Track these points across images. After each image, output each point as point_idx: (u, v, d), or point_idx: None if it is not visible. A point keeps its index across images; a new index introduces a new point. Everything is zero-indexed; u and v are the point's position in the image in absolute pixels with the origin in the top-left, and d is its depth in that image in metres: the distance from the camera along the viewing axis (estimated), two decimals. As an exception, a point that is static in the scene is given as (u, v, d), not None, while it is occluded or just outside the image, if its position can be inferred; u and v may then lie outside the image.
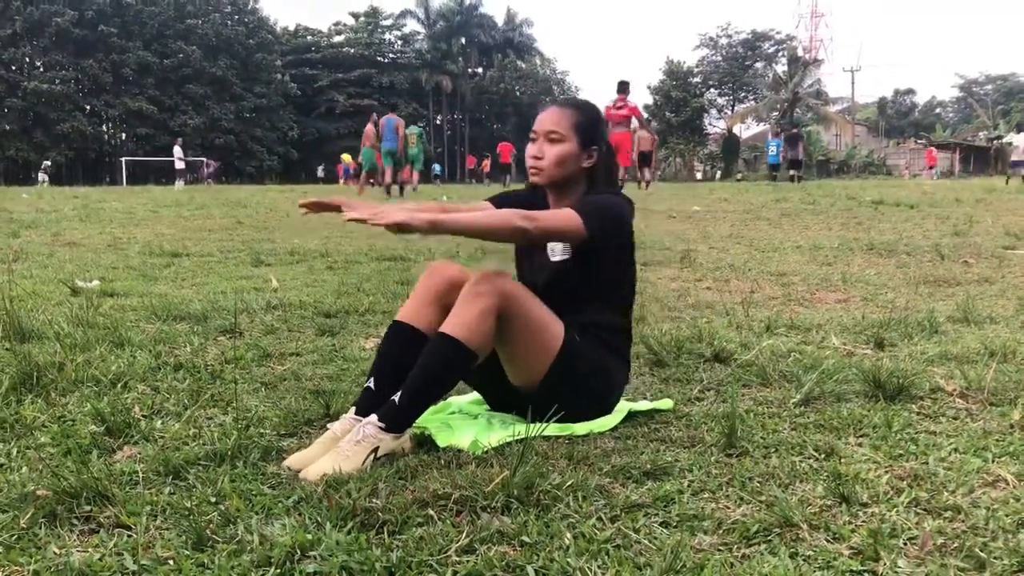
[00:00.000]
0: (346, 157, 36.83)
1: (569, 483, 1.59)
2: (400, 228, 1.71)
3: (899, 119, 72.46)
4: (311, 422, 2.05)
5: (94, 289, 4.13)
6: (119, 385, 2.32)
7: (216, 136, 52.97)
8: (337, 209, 1.94)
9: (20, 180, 43.67)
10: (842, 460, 1.75)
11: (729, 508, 1.52)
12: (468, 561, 1.31)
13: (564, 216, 1.95)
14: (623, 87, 15.17)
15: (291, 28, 64.93)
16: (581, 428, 1.99)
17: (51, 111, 47.98)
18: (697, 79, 59.70)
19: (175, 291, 4.20)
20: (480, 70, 67.65)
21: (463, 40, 65.45)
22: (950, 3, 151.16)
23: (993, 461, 1.74)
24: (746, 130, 62.24)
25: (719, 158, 54.91)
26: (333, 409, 2.09)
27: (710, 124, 61.86)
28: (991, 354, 2.63)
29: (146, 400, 2.21)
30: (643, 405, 2.14)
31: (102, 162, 53.27)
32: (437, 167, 44.58)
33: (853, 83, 71.66)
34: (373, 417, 1.81)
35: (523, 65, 66.53)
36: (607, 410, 2.07)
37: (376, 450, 1.77)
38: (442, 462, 1.76)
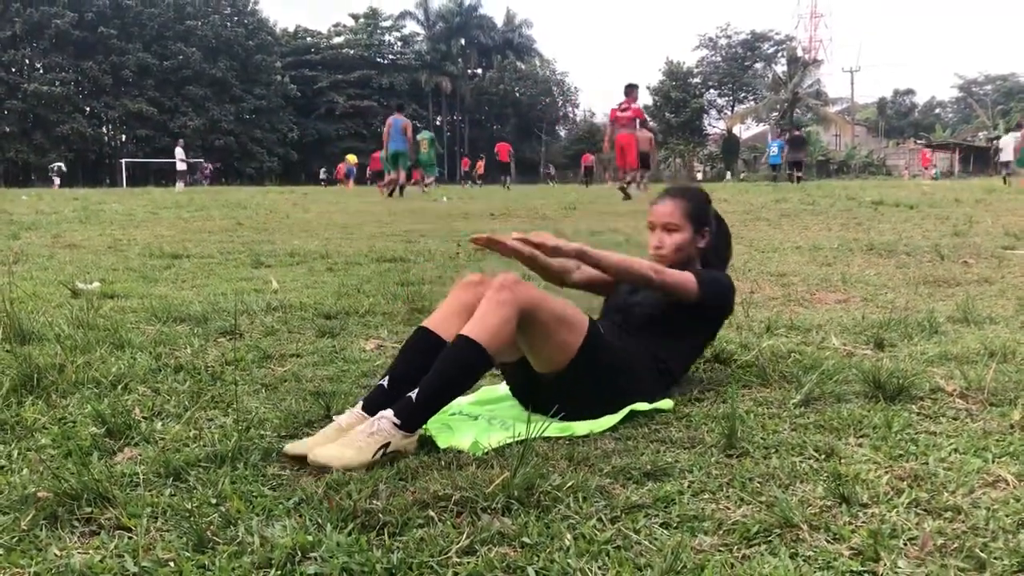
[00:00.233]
0: (351, 157, 36.84)
1: (569, 484, 1.59)
2: (555, 252, 2.13)
3: (899, 119, 72.37)
4: (311, 423, 2.05)
5: (94, 291, 4.13)
6: (119, 387, 2.32)
7: (216, 137, 53.01)
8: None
9: (20, 182, 43.70)
10: (842, 461, 1.75)
11: (729, 509, 1.52)
12: (468, 562, 1.31)
13: (685, 277, 2.27)
14: (630, 90, 15.18)
15: (291, 29, 65.00)
16: (581, 428, 2.00)
17: (51, 113, 48.04)
18: (697, 80, 59.81)
19: (175, 293, 4.19)
20: (480, 71, 67.73)
21: (463, 41, 65.54)
22: (950, 3, 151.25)
23: (993, 461, 1.74)
24: (746, 131, 62.34)
25: (719, 158, 54.93)
26: (333, 410, 2.08)
27: (710, 125, 62.00)
28: (991, 354, 2.63)
29: (147, 402, 2.21)
30: (643, 405, 2.14)
31: (102, 164, 53.33)
32: (436, 169, 44.54)
33: (853, 83, 72.06)
34: (389, 412, 1.82)
35: (523, 66, 66.56)
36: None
37: (387, 446, 1.78)
38: (442, 463, 1.77)
